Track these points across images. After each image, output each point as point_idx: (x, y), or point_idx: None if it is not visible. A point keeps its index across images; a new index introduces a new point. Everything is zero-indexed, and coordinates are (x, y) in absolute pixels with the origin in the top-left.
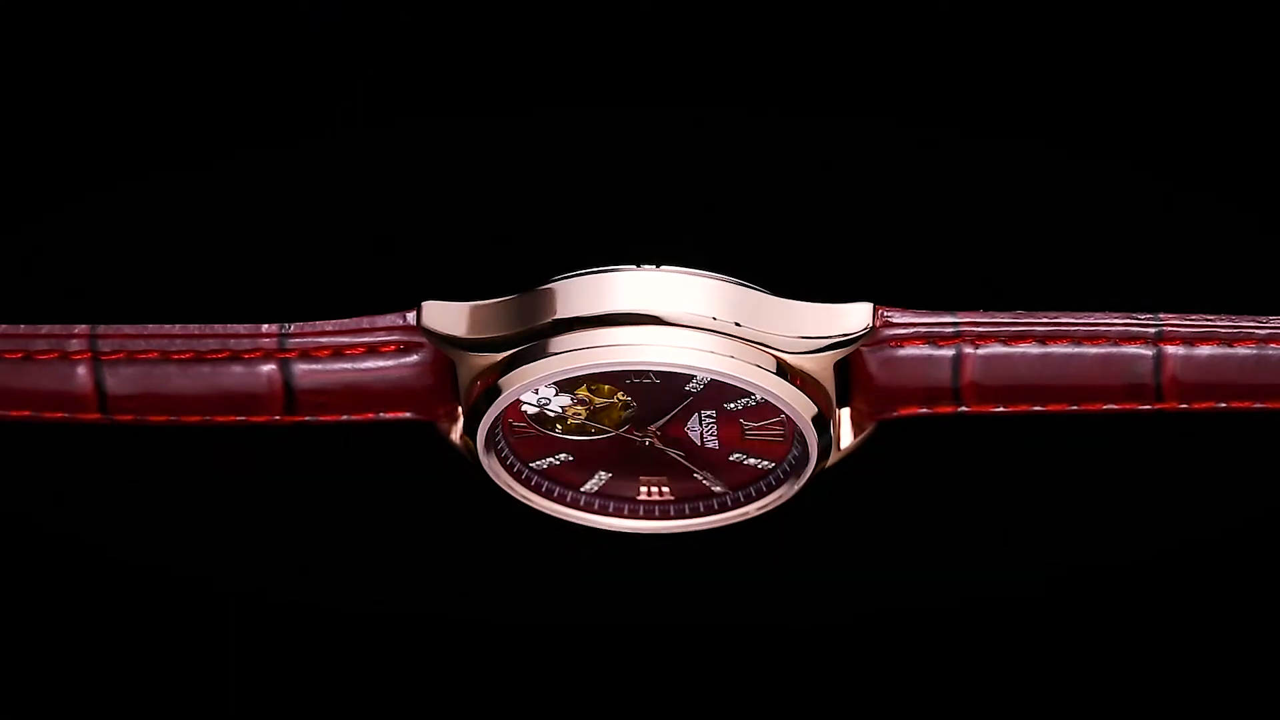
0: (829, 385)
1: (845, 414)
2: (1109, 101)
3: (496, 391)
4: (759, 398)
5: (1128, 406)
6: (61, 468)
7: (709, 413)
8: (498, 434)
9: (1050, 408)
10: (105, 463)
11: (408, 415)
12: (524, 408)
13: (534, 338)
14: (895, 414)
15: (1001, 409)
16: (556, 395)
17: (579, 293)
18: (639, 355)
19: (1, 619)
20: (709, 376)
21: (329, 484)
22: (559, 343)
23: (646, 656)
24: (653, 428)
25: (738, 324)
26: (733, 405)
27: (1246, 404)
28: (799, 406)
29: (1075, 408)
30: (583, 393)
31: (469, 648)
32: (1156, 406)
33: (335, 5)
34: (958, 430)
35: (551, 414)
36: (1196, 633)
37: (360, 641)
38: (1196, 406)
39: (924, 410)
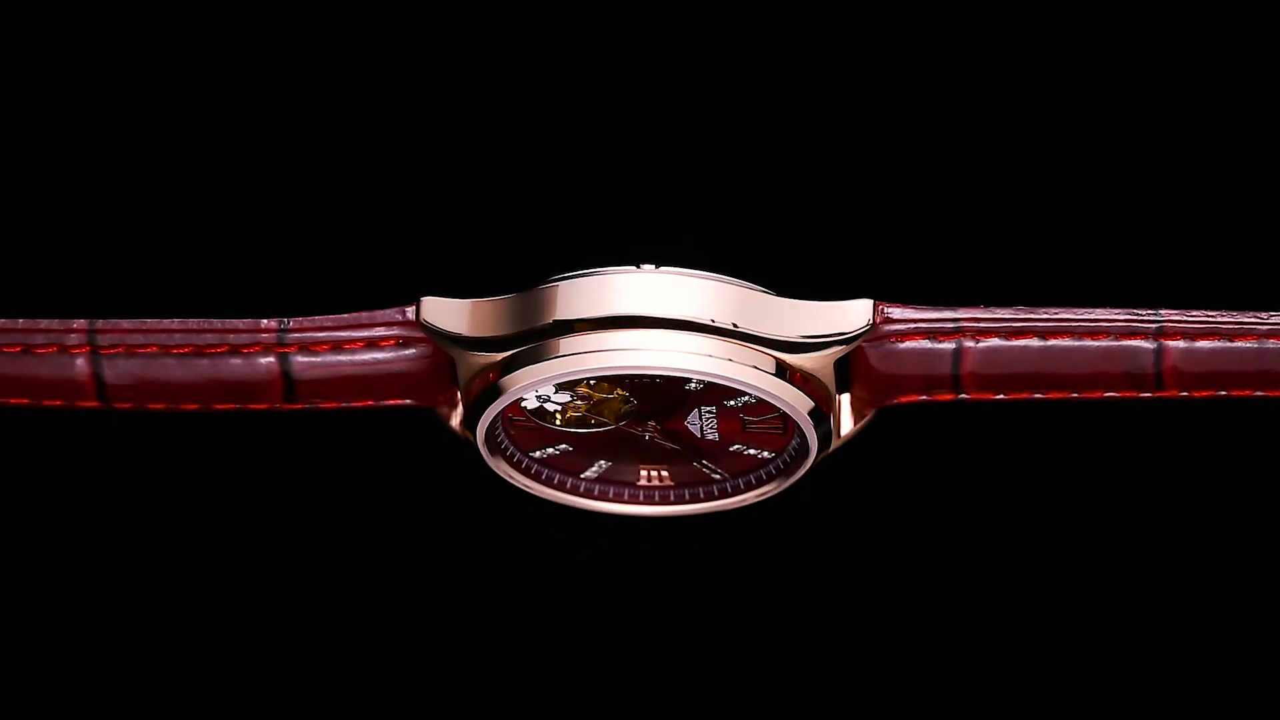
0: (829, 381)
1: (845, 400)
2: (1109, 101)
3: (496, 391)
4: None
5: (1128, 394)
6: (61, 467)
7: (709, 408)
8: (497, 429)
9: (1051, 395)
10: (105, 462)
11: (407, 402)
12: (524, 404)
13: (534, 338)
14: (895, 401)
15: (1002, 396)
16: (557, 392)
17: (579, 293)
18: (637, 360)
19: (1, 619)
20: (706, 380)
21: (329, 482)
22: (559, 345)
23: (644, 648)
24: (652, 422)
25: (735, 325)
26: (732, 402)
27: (1247, 392)
28: (797, 404)
29: (1075, 395)
30: (583, 389)
31: (470, 646)
32: (1157, 395)
33: (335, 5)
34: (957, 418)
35: (551, 409)
36: (1195, 630)
37: (360, 642)
38: (1197, 395)
39: (924, 398)
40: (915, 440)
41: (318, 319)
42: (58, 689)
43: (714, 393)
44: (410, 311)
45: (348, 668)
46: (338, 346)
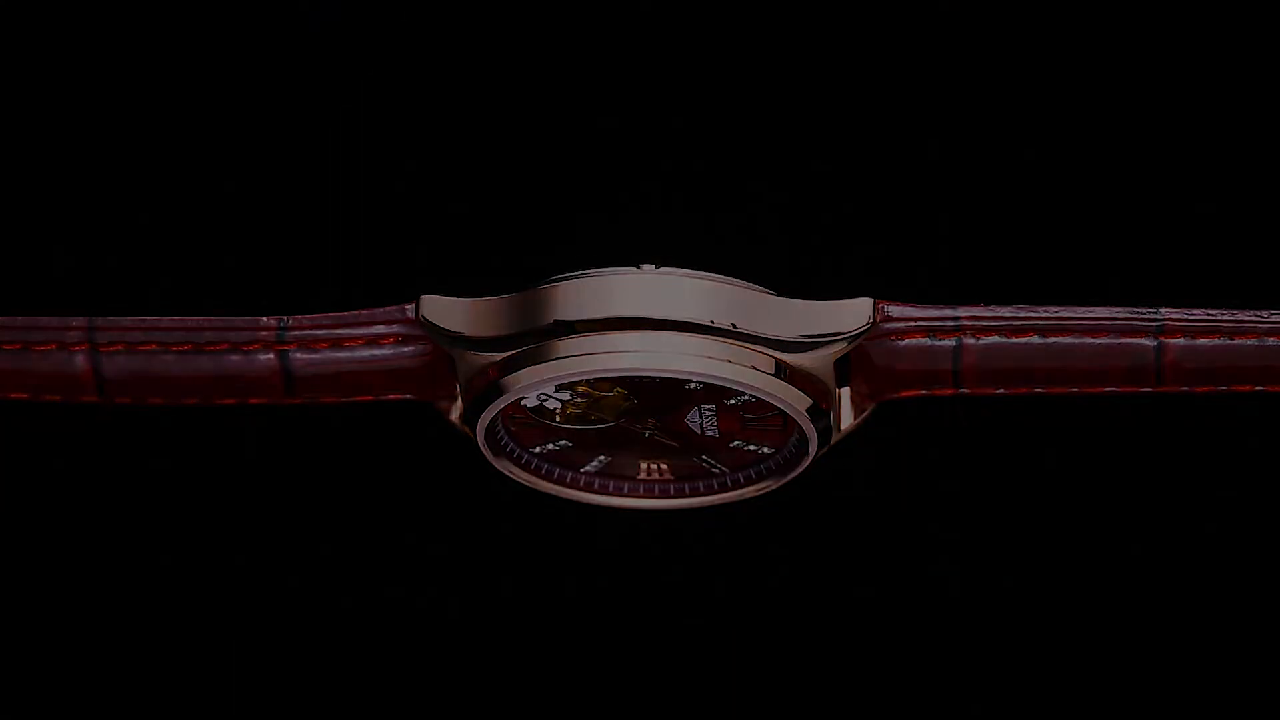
0: (828, 379)
1: (845, 394)
2: (1109, 101)
3: (497, 391)
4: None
5: (1129, 389)
6: (61, 466)
7: (709, 406)
8: (497, 427)
9: (1051, 390)
10: (105, 461)
11: (408, 397)
12: (523, 402)
13: (534, 339)
14: (895, 396)
15: (1002, 391)
16: (557, 391)
17: (579, 294)
18: (637, 361)
19: (1, 619)
20: (705, 381)
21: (329, 481)
22: (559, 346)
23: (644, 646)
24: (652, 420)
25: (735, 325)
26: (732, 400)
27: (1247, 388)
28: (796, 403)
29: (1076, 390)
30: (583, 388)
31: (470, 646)
32: (1158, 389)
33: (335, 5)
34: (958, 416)
35: (551, 407)
36: (1195, 630)
37: (360, 641)
38: (1197, 390)
39: (924, 392)
40: (916, 437)
41: (317, 317)
42: (58, 689)
43: (713, 391)
44: (410, 309)
45: (348, 667)
46: (337, 344)
